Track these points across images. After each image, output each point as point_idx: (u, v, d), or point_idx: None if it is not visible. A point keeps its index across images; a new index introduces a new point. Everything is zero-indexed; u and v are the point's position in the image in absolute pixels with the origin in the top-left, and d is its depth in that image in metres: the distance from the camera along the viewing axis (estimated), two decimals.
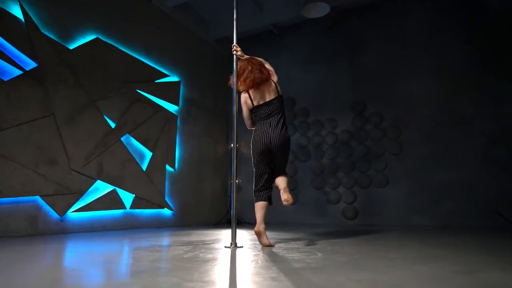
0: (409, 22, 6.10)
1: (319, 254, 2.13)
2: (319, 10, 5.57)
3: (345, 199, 6.18)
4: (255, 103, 2.87)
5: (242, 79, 2.85)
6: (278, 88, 2.97)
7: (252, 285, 1.33)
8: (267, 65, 3.04)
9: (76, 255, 2.35)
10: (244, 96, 2.90)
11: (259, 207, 2.78)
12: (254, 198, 2.83)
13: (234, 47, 2.98)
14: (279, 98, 2.94)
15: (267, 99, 2.88)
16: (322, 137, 6.57)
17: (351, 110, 6.37)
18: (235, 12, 2.99)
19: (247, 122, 2.99)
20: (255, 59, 2.99)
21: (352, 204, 6.12)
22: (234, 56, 2.96)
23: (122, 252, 2.46)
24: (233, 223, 2.64)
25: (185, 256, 2.09)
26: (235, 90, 2.85)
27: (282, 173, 2.89)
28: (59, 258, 2.24)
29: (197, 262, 1.83)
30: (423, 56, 5.90)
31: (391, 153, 5.95)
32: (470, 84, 5.52)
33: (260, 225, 2.65)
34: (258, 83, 2.85)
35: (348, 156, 6.28)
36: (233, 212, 2.69)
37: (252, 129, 2.96)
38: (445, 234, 3.87)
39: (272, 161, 2.87)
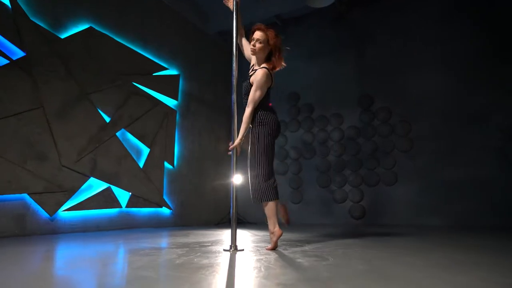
0: (418, 14, 5.81)
1: (331, 259, 1.86)
2: (325, 0, 5.29)
3: (351, 197, 5.91)
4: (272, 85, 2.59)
5: (279, 55, 2.56)
6: None
7: None
8: None
9: (57, 259, 2.10)
10: (268, 74, 2.51)
11: (279, 206, 2.47)
12: (271, 193, 2.39)
13: None
14: None
15: None
16: (327, 133, 6.29)
17: (358, 105, 6.09)
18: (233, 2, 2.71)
19: (255, 105, 2.48)
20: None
21: (359, 203, 5.85)
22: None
23: (109, 257, 2.20)
24: (233, 223, 2.38)
25: (177, 261, 1.83)
26: (234, 78, 2.57)
27: None
28: (45, 263, 1.99)
29: (189, 270, 1.57)
30: (433, 49, 5.61)
31: (400, 150, 5.67)
32: (483, 77, 5.23)
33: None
34: None
35: (355, 153, 6.00)
36: (232, 211, 2.43)
37: (250, 113, 2.47)
38: (463, 235, 3.59)
39: None
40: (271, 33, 2.55)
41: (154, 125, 5.22)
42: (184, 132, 5.86)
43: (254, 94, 2.46)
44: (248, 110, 2.47)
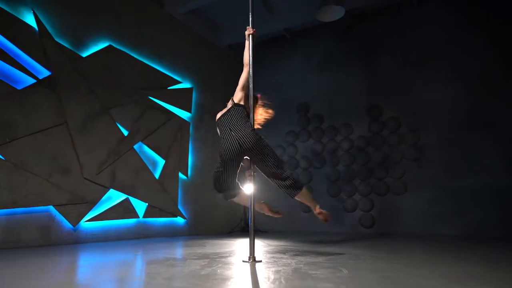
0: (427, 25, 5.93)
1: (345, 271, 1.99)
2: (334, 14, 5.45)
3: (361, 207, 6.01)
4: None
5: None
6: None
7: None
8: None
9: (88, 269, 2.26)
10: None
11: (263, 204, 3.04)
12: (300, 182, 2.89)
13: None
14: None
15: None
16: (337, 143, 6.42)
17: (367, 115, 6.22)
18: (250, 15, 2.90)
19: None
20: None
21: (369, 212, 5.94)
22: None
23: (135, 267, 2.36)
24: (251, 235, 2.52)
25: (202, 272, 1.97)
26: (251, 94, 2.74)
27: None
28: (70, 272, 2.15)
29: (216, 281, 1.72)
30: (441, 60, 5.72)
31: (410, 159, 5.77)
32: (492, 88, 5.32)
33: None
34: None
35: (364, 162, 6.11)
36: (250, 223, 2.57)
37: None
38: (474, 245, 3.67)
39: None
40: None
41: (169, 137, 5.41)
42: (198, 143, 6.03)
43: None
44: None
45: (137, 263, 2.51)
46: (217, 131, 2.95)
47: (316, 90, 6.71)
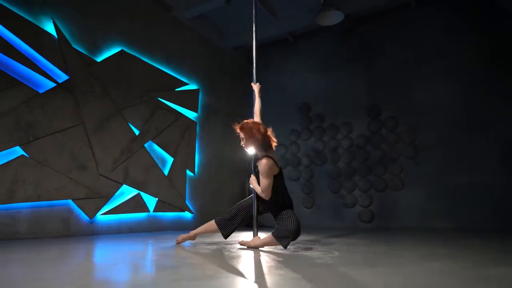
0: (424, 27, 6.17)
1: (336, 253, 2.28)
2: (333, 18, 5.71)
3: (361, 202, 6.27)
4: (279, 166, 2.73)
5: (268, 139, 2.67)
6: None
7: (277, 276, 1.50)
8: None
9: (108, 253, 2.57)
10: (270, 162, 2.56)
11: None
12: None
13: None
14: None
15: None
16: (337, 141, 6.69)
17: (366, 114, 6.48)
18: (253, 21, 3.18)
19: (268, 193, 2.60)
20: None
21: (368, 207, 6.21)
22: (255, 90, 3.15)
23: (148, 251, 2.66)
24: (254, 226, 2.81)
25: (211, 253, 2.27)
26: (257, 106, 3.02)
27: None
28: (90, 257, 2.45)
29: (224, 259, 2.01)
30: (438, 60, 5.97)
31: (407, 157, 6.02)
32: (487, 88, 5.55)
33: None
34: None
35: (363, 160, 6.38)
36: (254, 213, 2.86)
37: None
38: (461, 236, 3.94)
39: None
40: (245, 127, 2.68)
41: (177, 136, 5.71)
42: (204, 142, 6.34)
43: (262, 183, 2.60)
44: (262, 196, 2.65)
45: (149, 248, 2.81)
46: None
47: (318, 91, 6.98)
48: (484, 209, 5.29)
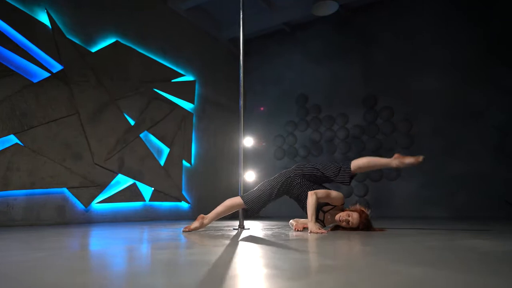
0: (420, 16, 6.15)
1: (315, 235, 2.31)
2: (328, 8, 5.71)
3: (357, 192, 6.30)
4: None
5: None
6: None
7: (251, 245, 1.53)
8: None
9: (100, 239, 2.62)
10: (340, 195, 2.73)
11: None
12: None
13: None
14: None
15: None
16: (334, 132, 6.70)
17: (362, 105, 6.48)
18: (241, 13, 3.19)
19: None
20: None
21: (363, 197, 6.23)
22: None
23: (144, 235, 2.71)
24: (241, 211, 2.86)
25: (205, 234, 2.31)
26: (241, 85, 3.05)
27: None
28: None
29: (213, 238, 2.06)
30: (434, 50, 5.95)
31: (402, 147, 6.03)
32: (481, 77, 5.54)
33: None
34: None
35: (359, 150, 6.39)
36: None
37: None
38: (448, 220, 3.96)
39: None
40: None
41: (173, 127, 5.76)
42: (200, 133, 6.38)
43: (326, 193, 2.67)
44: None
45: (144, 232, 2.86)
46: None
47: (314, 82, 6.99)
48: (478, 196, 5.30)
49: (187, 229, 2.58)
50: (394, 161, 2.64)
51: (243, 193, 2.89)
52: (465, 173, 5.44)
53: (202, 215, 2.67)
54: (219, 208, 2.68)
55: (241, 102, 3.00)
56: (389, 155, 6.05)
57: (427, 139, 5.83)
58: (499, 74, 5.41)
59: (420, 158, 2.51)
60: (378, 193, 6.14)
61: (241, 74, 3.02)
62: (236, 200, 2.71)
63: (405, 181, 5.92)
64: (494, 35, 5.52)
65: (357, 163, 2.72)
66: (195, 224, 2.61)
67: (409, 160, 2.59)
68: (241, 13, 3.20)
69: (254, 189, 2.78)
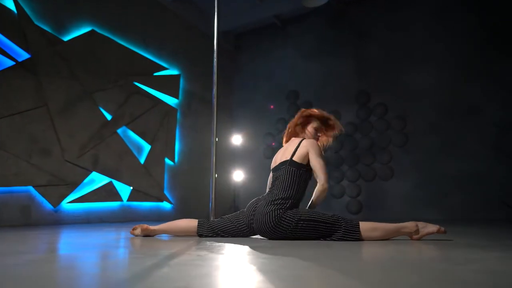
0: (414, 10, 5.88)
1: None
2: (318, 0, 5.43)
3: (349, 193, 6.01)
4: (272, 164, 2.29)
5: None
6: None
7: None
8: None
9: (70, 240, 2.31)
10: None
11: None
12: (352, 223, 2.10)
13: None
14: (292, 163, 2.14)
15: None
16: None
17: (355, 101, 6.20)
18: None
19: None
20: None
21: (356, 198, 5.95)
22: None
23: (119, 234, 2.40)
24: (212, 203, 2.57)
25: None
26: (215, 73, 2.75)
27: None
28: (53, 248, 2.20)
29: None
30: (428, 45, 5.68)
31: (396, 145, 5.75)
32: (478, 72, 5.27)
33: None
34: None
35: (352, 148, 6.11)
36: (211, 205, 2.63)
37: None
38: (440, 223, 3.67)
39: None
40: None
41: (155, 123, 5.45)
42: (185, 130, 6.07)
43: (321, 163, 2.12)
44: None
45: (120, 232, 2.55)
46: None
47: (306, 77, 6.70)
48: (474, 197, 5.03)
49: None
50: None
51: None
52: (463, 173, 5.16)
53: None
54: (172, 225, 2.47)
55: (214, 91, 2.71)
56: (382, 153, 5.81)
57: (422, 137, 5.55)
58: (497, 69, 5.14)
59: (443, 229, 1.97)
60: (371, 193, 5.85)
61: (215, 59, 2.73)
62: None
63: (399, 181, 5.65)
64: (491, 30, 5.25)
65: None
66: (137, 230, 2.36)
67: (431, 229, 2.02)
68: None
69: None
